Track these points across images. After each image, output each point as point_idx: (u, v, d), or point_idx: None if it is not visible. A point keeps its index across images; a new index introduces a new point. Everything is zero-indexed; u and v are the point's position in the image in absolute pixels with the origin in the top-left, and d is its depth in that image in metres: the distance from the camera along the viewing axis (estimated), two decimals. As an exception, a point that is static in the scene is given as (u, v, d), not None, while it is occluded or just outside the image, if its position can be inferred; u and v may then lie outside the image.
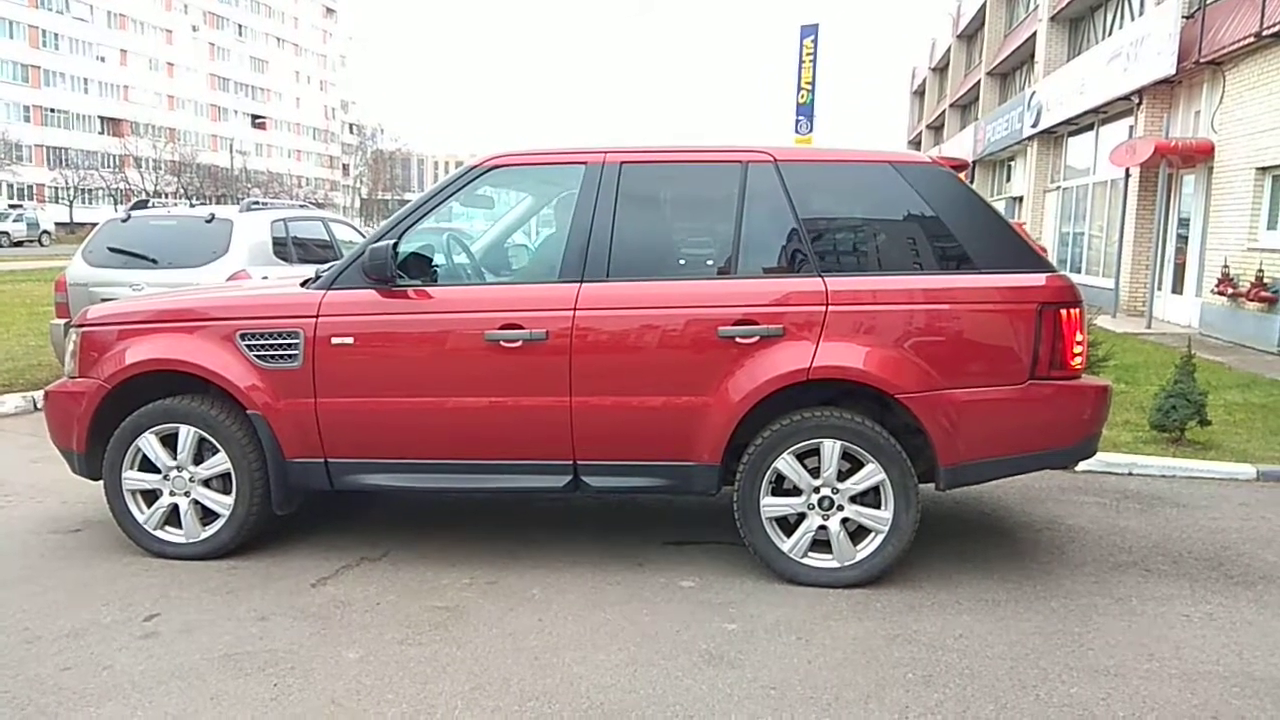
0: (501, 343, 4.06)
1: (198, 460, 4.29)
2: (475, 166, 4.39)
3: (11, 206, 49.59)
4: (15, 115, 61.18)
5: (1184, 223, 14.91)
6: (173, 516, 4.33)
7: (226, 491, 4.28)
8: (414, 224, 4.29)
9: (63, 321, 7.59)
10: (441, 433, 4.16)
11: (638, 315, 4.07)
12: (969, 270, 4.06)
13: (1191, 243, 14.49)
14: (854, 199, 4.33)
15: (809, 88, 21.91)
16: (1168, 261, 15.22)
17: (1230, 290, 12.38)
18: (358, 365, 4.16)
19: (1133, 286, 15.74)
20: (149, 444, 4.29)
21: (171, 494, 4.32)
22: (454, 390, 4.12)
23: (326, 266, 4.55)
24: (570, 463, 4.13)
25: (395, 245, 4.14)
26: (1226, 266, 12.61)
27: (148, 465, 4.32)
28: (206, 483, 4.30)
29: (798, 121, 22.03)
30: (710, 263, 4.34)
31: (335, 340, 4.15)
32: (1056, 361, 4.01)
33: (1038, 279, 4.06)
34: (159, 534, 4.33)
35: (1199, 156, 13.69)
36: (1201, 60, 13.42)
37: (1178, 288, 14.91)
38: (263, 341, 4.20)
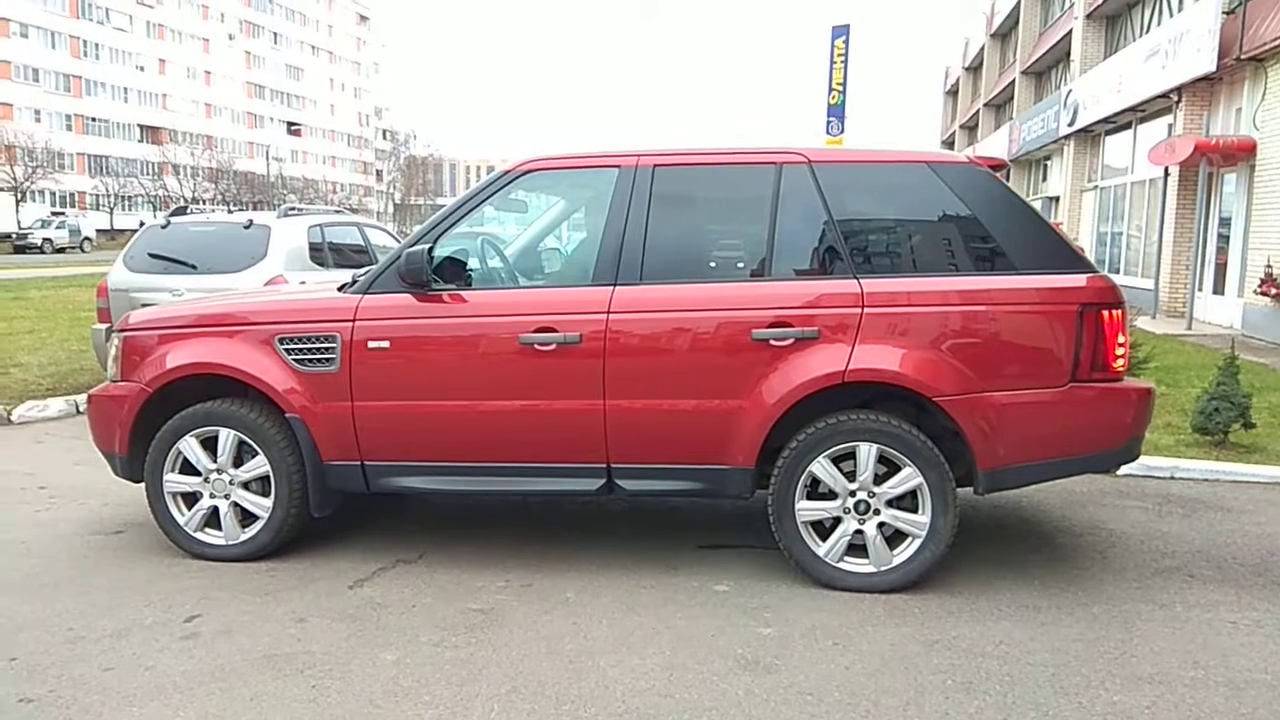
0: (536, 346, 4.07)
1: (237, 463, 4.34)
2: (509, 171, 4.41)
3: (54, 214, 50.58)
4: (58, 124, 62.36)
5: (1225, 222, 14.65)
6: (213, 519, 4.39)
7: (265, 494, 4.33)
8: (449, 229, 4.32)
9: (104, 326, 7.71)
10: (476, 436, 4.17)
11: (671, 318, 4.06)
12: (1008, 271, 4.01)
13: (1233, 243, 14.22)
14: (890, 200, 4.29)
15: (840, 89, 21.79)
16: (1208, 262, 14.95)
17: (1274, 291, 12.13)
18: (394, 369, 4.19)
19: (1173, 287, 15.48)
20: (190, 447, 4.34)
21: (211, 496, 4.37)
22: (489, 393, 4.14)
23: (363, 271, 4.59)
24: (604, 466, 4.13)
25: (431, 250, 4.17)
26: (1270, 267, 12.36)
27: (188, 468, 4.38)
28: (246, 485, 4.35)
29: (829, 122, 21.91)
30: (744, 265, 4.32)
31: (372, 344, 4.18)
32: (1098, 364, 3.94)
33: (1078, 280, 4.00)
34: (199, 536, 4.39)
35: (1240, 155, 13.44)
36: (1243, 57, 13.17)
37: (1219, 288, 14.64)
38: (300, 345, 4.24)
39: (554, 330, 4.06)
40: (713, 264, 4.37)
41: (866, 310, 3.96)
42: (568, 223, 5.31)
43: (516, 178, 4.37)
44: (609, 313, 4.06)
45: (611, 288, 4.10)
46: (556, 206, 5.19)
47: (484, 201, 4.39)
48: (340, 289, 4.47)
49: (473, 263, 4.50)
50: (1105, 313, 3.94)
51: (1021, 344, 3.98)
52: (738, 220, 4.45)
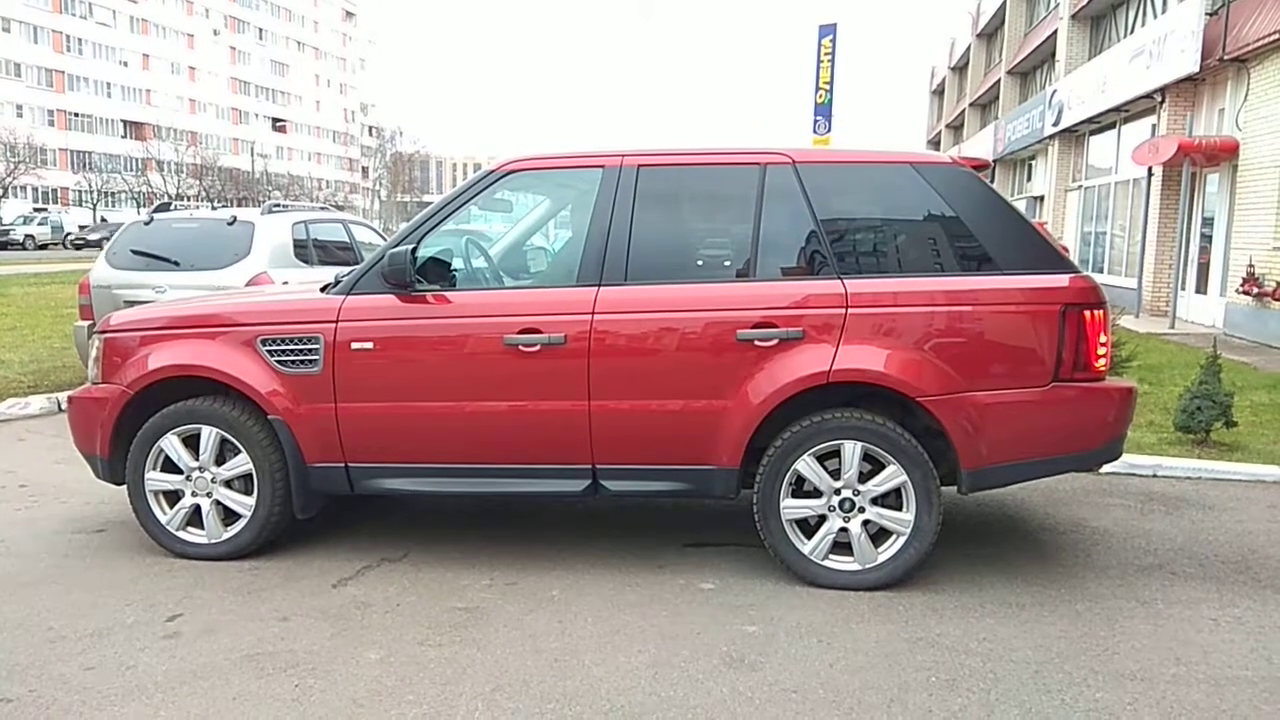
0: (520, 347, 4.06)
1: (220, 461, 4.32)
2: (493, 171, 4.40)
3: (36, 210, 50.15)
4: (40, 120, 61.93)
5: (1208, 222, 14.76)
6: (195, 517, 4.36)
7: (248, 492, 4.31)
8: (433, 229, 4.30)
9: (87, 323, 7.65)
10: (461, 437, 4.16)
11: (656, 319, 4.06)
12: (991, 271, 4.03)
13: (1215, 242, 14.34)
14: (874, 200, 4.30)
15: (827, 87, 21.84)
16: (1191, 261, 15.07)
17: (1255, 290, 12.24)
18: (377, 370, 4.17)
19: (1156, 286, 15.59)
20: (171, 445, 4.31)
21: (194, 495, 4.34)
22: (473, 395, 4.12)
23: (347, 271, 4.56)
24: (589, 467, 4.12)
25: (414, 250, 4.15)
26: (1251, 266, 12.47)
27: (170, 466, 4.35)
28: (228, 483, 4.33)
29: (816, 121, 21.96)
30: (729, 265, 4.32)
31: (355, 345, 4.16)
32: (1080, 363, 3.96)
33: (1061, 280, 4.02)
34: (181, 535, 4.36)
35: (1223, 155, 13.54)
36: (1225, 58, 13.27)
37: (1201, 287, 14.75)
38: (283, 347, 4.22)
39: (538, 331, 4.05)
40: (697, 264, 4.37)
41: (851, 310, 3.96)
42: (554, 222, 5.30)
43: (501, 177, 4.36)
44: (594, 313, 4.05)
45: (596, 288, 4.09)
46: (541, 206, 5.17)
47: (468, 201, 4.37)
48: (323, 289, 4.45)
49: (457, 263, 4.47)
50: (1087, 313, 3.96)
51: (1004, 344, 3.99)
52: (722, 220, 4.44)
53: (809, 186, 4.14)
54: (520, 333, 4.06)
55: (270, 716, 3.00)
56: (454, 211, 4.35)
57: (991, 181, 4.41)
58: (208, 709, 3.03)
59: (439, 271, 4.26)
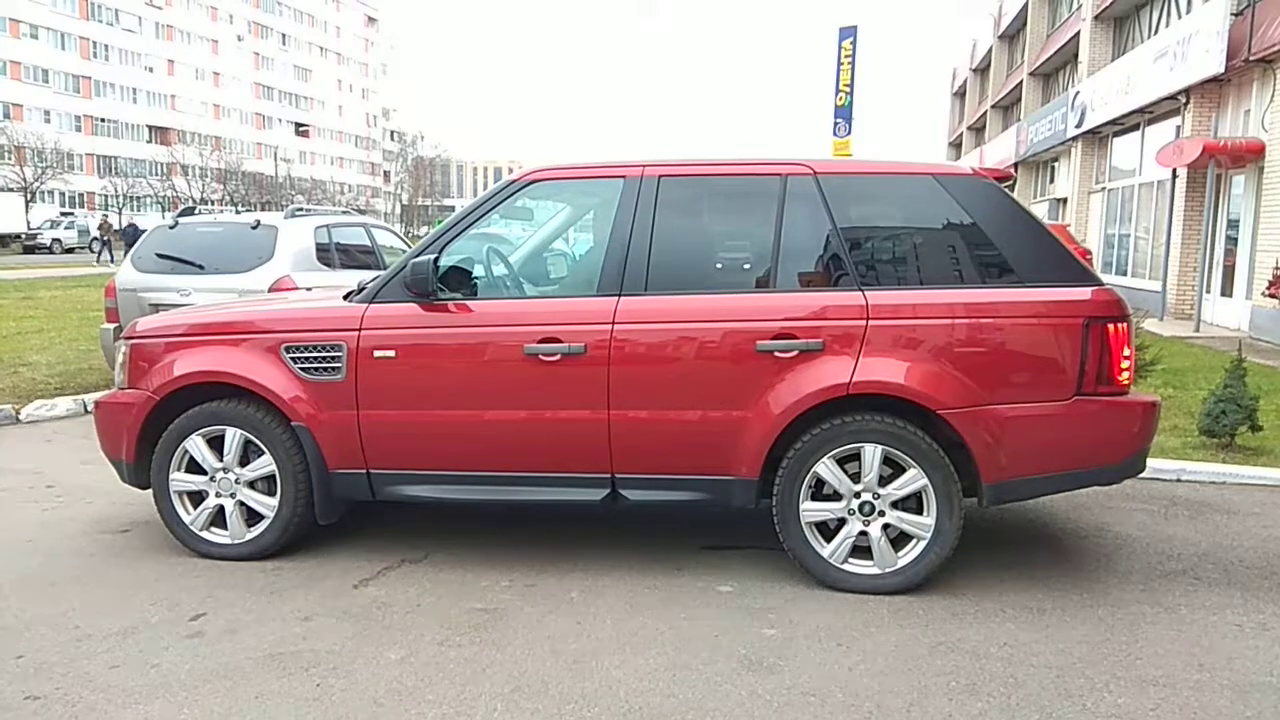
0: (540, 356, 4.07)
1: (243, 462, 4.36)
2: (515, 180, 4.42)
3: (63, 214, 50.78)
4: (67, 125, 62.66)
5: (1233, 224, 14.60)
6: (218, 518, 4.41)
7: (271, 493, 4.35)
8: (455, 238, 4.32)
9: (112, 326, 7.75)
10: (481, 445, 4.18)
11: (676, 329, 4.06)
12: (1013, 284, 4.00)
13: (1241, 244, 14.18)
14: (895, 211, 4.28)
15: (847, 90, 21.80)
16: (1216, 264, 14.91)
17: (1282, 293, 12.09)
18: (399, 378, 4.20)
19: (1180, 289, 15.43)
20: (196, 446, 4.36)
21: (217, 495, 4.39)
22: (494, 403, 4.14)
23: (371, 277, 4.59)
24: (608, 476, 4.13)
25: (436, 259, 4.17)
26: (1278, 269, 12.31)
27: (195, 467, 4.40)
28: (252, 484, 4.37)
29: (836, 124, 21.92)
30: (749, 275, 4.32)
31: (378, 353, 4.19)
32: (1104, 377, 3.93)
33: (1084, 292, 3.98)
34: (205, 535, 4.41)
35: (1249, 156, 13.40)
36: (1251, 58, 13.12)
37: (1227, 290, 14.59)
38: (307, 354, 4.26)
39: (559, 340, 4.06)
40: (718, 275, 4.36)
41: (871, 322, 3.95)
42: (574, 230, 5.31)
43: (523, 187, 4.38)
44: (614, 323, 4.06)
45: (616, 298, 4.10)
46: (562, 215, 5.18)
47: (490, 210, 4.40)
48: (346, 297, 4.48)
49: (478, 271, 4.48)
50: (1111, 326, 3.93)
51: (1026, 357, 3.96)
52: (743, 231, 4.44)
53: (830, 197, 4.13)
54: (540, 342, 4.08)
55: (292, 715, 3.03)
56: (476, 221, 4.37)
57: (1014, 187, 4.39)
58: (230, 707, 3.07)
59: (460, 280, 4.27)
